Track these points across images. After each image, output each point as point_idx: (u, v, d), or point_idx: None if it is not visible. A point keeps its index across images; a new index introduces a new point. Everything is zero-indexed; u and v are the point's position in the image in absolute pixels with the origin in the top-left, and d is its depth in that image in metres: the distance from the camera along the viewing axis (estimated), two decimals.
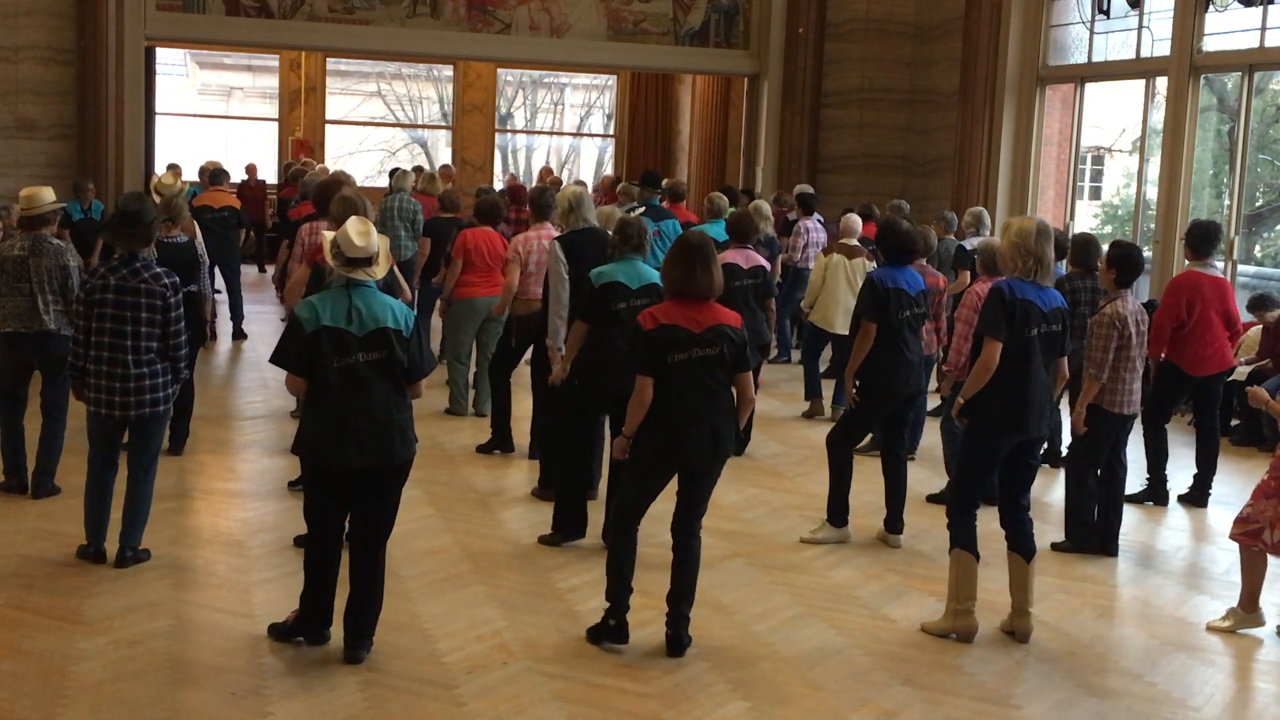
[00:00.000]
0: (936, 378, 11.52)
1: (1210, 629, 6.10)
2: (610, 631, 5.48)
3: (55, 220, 7.45)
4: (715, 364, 5.39)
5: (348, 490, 5.24)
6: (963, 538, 5.80)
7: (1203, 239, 8.26)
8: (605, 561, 5.55)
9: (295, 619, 5.39)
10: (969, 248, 10.37)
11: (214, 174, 14.16)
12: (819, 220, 12.87)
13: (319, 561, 5.29)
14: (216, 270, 13.28)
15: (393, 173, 15.11)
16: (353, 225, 5.22)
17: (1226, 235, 11.87)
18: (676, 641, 5.47)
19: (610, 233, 7.20)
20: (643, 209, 11.65)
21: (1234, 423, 10.21)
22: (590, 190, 18.86)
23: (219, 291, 13.98)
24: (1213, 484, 8.32)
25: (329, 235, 5.29)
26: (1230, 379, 9.59)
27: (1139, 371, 7.09)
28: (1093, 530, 7.18)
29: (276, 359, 5.22)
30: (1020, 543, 5.86)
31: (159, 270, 6.26)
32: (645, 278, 6.76)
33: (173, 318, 6.25)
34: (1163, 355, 8.14)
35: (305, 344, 5.09)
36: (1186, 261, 8.49)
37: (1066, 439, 8.32)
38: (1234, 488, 8.46)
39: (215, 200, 13.34)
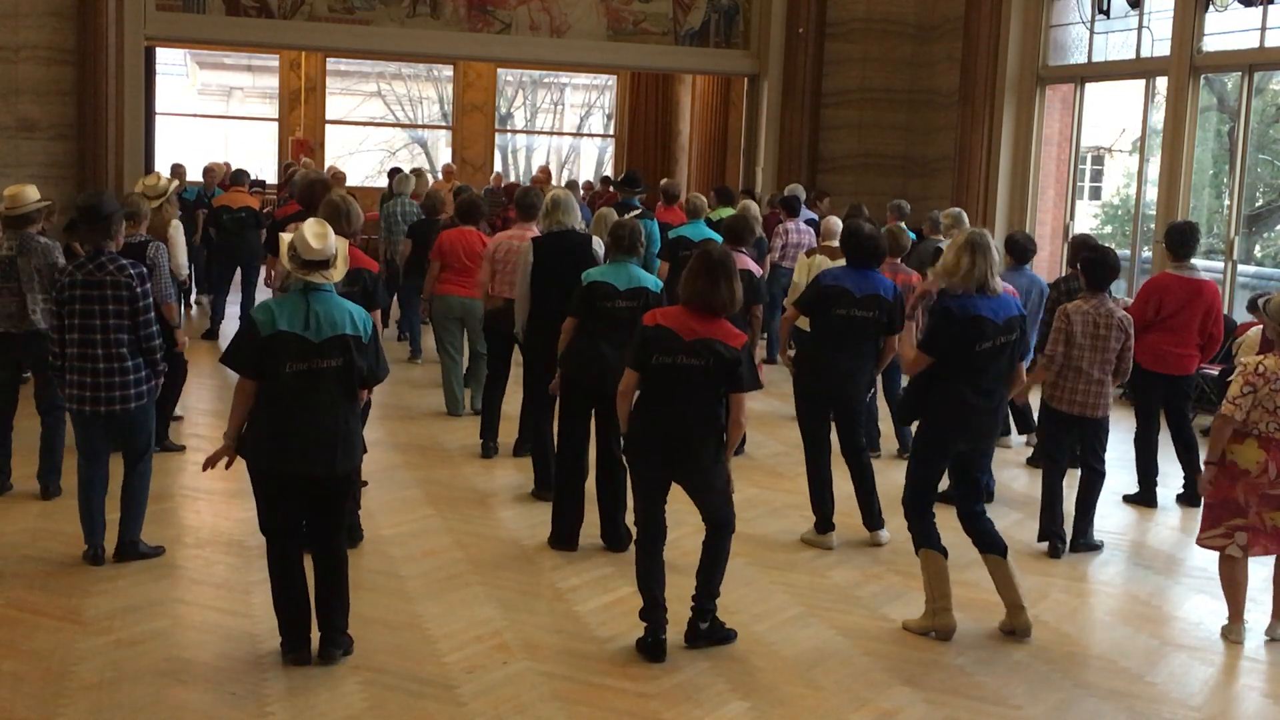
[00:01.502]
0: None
1: (1223, 635, 6.10)
2: (643, 647, 5.46)
3: (41, 219, 7.36)
4: (697, 375, 5.35)
5: (294, 495, 5.18)
6: (925, 537, 5.84)
7: (1179, 241, 8.21)
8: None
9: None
10: (944, 248, 10.38)
11: (235, 175, 14.23)
12: (804, 222, 12.93)
13: (279, 570, 5.22)
14: (239, 269, 13.42)
15: (393, 173, 15.14)
16: (309, 227, 5.15)
17: (1227, 235, 11.87)
18: (692, 629, 5.53)
19: (593, 235, 7.27)
20: (637, 211, 11.68)
21: None
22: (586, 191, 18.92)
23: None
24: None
25: (286, 238, 5.21)
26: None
27: (1090, 375, 6.99)
28: (1051, 529, 7.15)
29: (227, 360, 5.14)
30: (987, 542, 5.88)
31: (124, 262, 6.24)
32: (636, 280, 6.82)
33: (141, 308, 6.22)
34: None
35: (259, 347, 5.02)
36: (1166, 262, 8.34)
37: None
38: None
39: (234, 201, 13.42)
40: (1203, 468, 6.13)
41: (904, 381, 9.54)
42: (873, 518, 7.20)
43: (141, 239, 7.88)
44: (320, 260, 5.09)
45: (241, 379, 5.14)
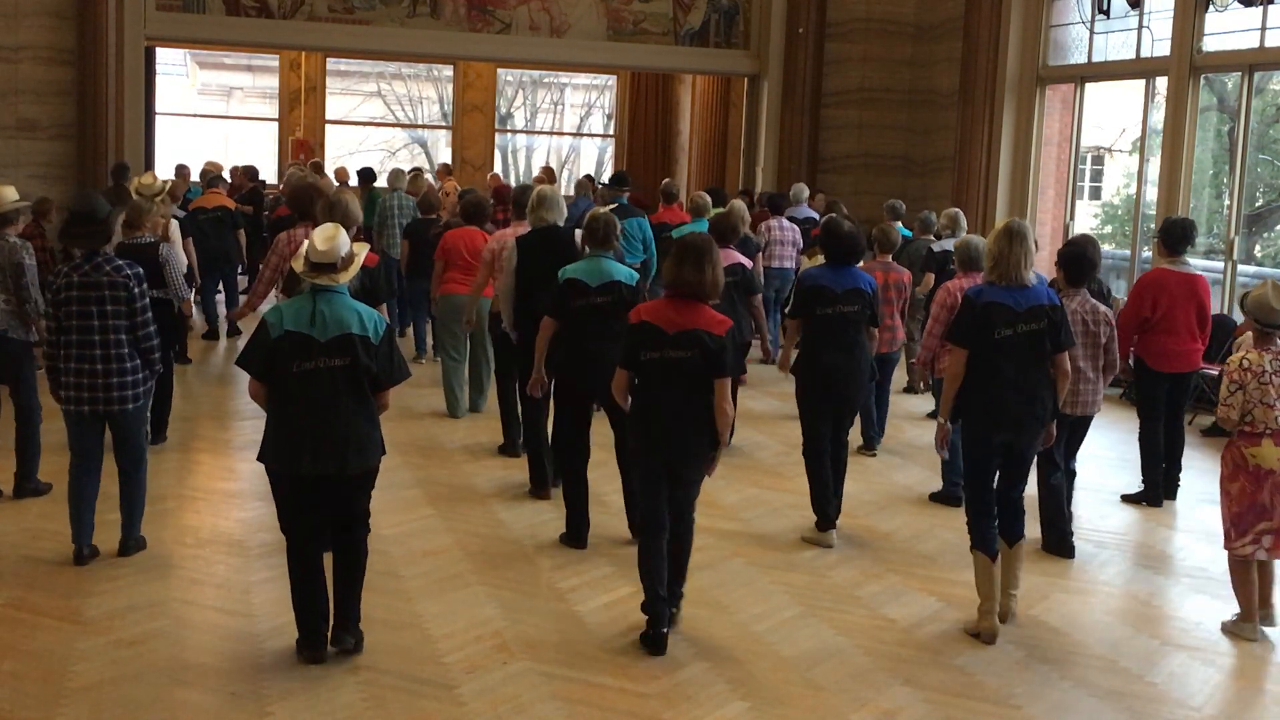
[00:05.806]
0: (907, 372, 11.56)
1: (1223, 629, 6.10)
2: (646, 641, 5.49)
3: (19, 220, 7.30)
4: (686, 367, 5.38)
5: (312, 495, 5.19)
6: (979, 539, 5.85)
7: (1176, 236, 8.21)
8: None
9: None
10: (937, 249, 10.39)
11: (212, 179, 14.26)
12: (786, 220, 12.97)
13: (298, 570, 5.24)
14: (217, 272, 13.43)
15: (370, 174, 15.30)
16: (321, 231, 5.22)
17: (1227, 235, 11.87)
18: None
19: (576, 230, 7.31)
20: (613, 206, 11.71)
21: None
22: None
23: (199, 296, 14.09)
24: (1179, 478, 8.34)
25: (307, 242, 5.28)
26: None
27: (1085, 375, 6.96)
28: (1064, 529, 7.16)
29: (241, 363, 5.19)
30: (1006, 528, 5.92)
31: (121, 263, 6.27)
32: (607, 275, 6.83)
33: (139, 308, 6.26)
34: (1131, 352, 8.13)
35: (268, 348, 5.05)
36: (1160, 258, 8.32)
37: None
38: None
39: (209, 202, 13.43)
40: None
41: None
42: (826, 519, 7.14)
43: (149, 239, 7.90)
44: (327, 263, 5.12)
45: (251, 381, 5.18)
